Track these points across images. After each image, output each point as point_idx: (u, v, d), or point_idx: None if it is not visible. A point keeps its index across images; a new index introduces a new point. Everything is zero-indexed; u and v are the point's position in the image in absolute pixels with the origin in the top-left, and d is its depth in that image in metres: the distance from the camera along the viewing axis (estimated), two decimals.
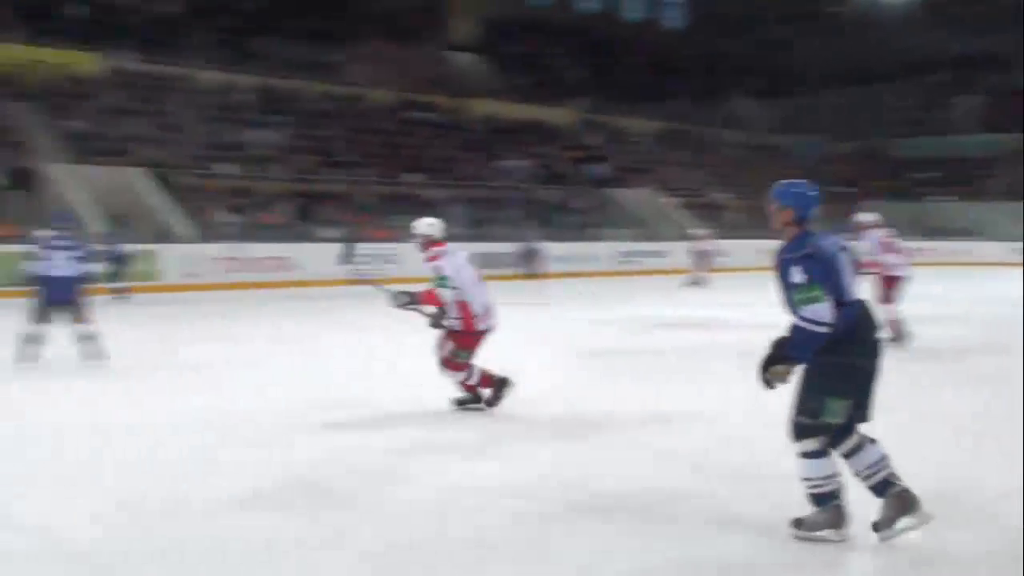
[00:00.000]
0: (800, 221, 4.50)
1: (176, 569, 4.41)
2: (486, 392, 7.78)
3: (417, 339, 8.82)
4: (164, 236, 22.70)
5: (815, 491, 4.53)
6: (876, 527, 4.49)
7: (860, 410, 4.49)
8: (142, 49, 29.62)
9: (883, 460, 4.50)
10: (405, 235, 8.05)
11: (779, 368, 4.50)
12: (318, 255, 22.40)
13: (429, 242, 7.76)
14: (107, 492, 5.58)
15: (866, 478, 4.50)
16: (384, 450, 6.48)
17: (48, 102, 26.14)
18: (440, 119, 34.69)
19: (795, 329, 4.43)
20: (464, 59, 40.59)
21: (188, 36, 31.54)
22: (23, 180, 22.80)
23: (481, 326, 7.66)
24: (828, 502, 4.51)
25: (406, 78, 34.94)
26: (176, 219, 23.68)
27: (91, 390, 8.92)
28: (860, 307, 4.49)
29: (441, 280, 7.50)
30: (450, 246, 7.77)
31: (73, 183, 22.97)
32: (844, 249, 4.54)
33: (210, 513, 5.16)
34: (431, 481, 5.73)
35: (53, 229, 10.48)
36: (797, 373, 4.53)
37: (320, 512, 5.20)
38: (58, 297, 10.08)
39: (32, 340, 10.04)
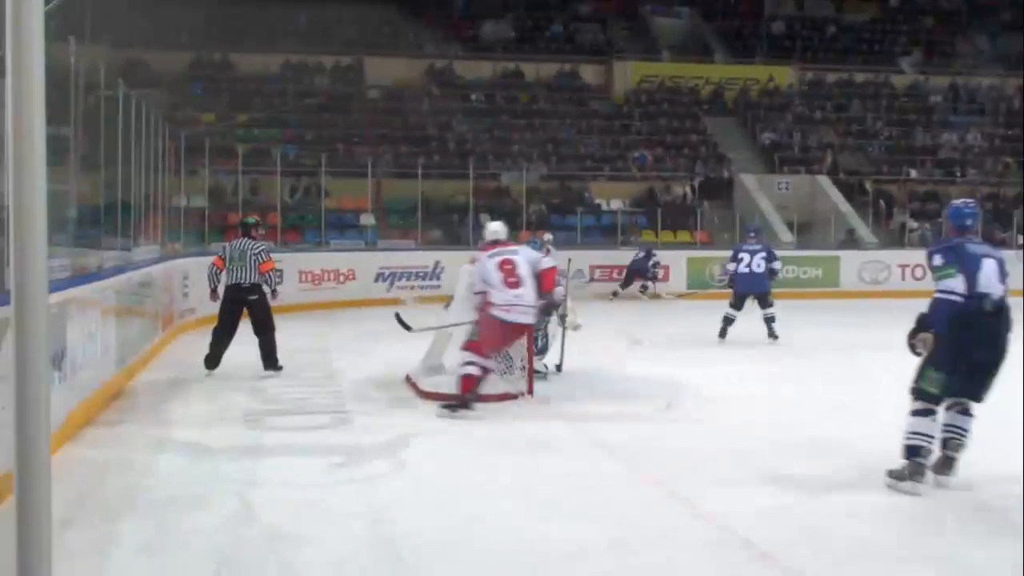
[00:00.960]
0: (955, 229, 5.80)
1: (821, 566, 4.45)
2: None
3: None
4: (848, 243, 22.76)
5: (905, 442, 5.60)
6: (890, 473, 5.59)
7: (969, 387, 5.56)
8: (836, 58, 30.01)
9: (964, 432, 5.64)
10: None
11: (922, 335, 5.50)
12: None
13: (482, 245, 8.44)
14: (779, 480, 5.86)
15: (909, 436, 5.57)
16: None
17: (745, 116, 27.75)
18: None
19: (933, 301, 5.53)
20: None
21: (882, 41, 31.23)
22: (716, 190, 24.46)
23: (497, 315, 7.84)
24: (911, 456, 5.55)
25: None
26: (860, 225, 23.56)
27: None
28: (985, 301, 5.42)
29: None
30: (503, 248, 8.17)
31: (762, 192, 24.05)
32: (991, 257, 5.58)
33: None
34: None
35: (749, 238, 13.33)
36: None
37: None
38: (750, 289, 12.71)
39: (728, 322, 12.71)
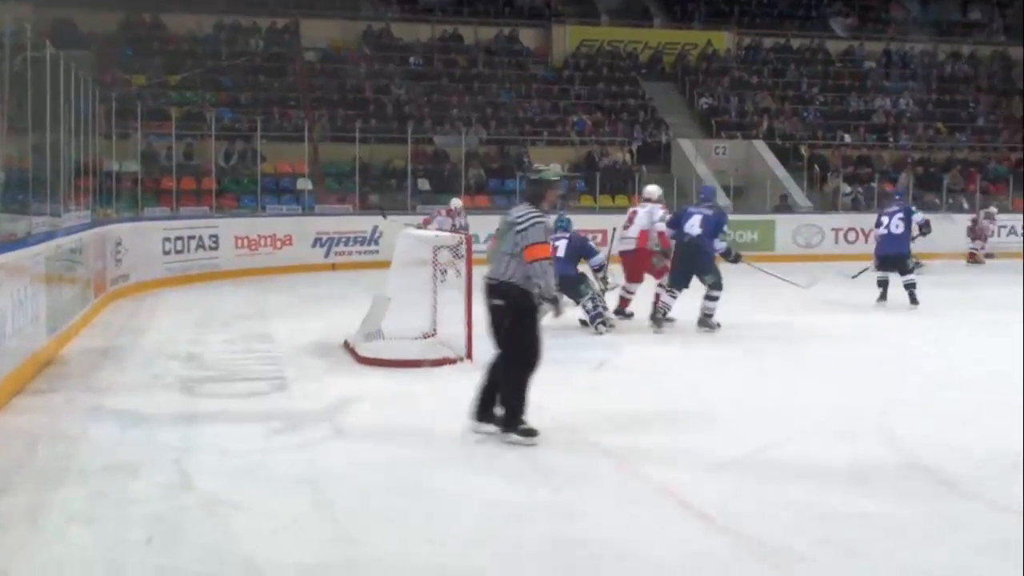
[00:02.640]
0: (702, 201, 10.84)
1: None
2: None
3: None
4: (783, 207, 23.04)
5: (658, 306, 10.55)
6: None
7: (701, 282, 10.37)
8: (773, 24, 30.22)
9: (669, 306, 10.44)
10: None
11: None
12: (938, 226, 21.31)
13: None
14: (724, 442, 5.88)
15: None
16: None
17: (683, 80, 27.88)
18: None
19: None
20: None
21: (818, 6, 31.50)
22: (654, 155, 24.62)
23: None
24: (658, 314, 10.44)
25: None
26: (795, 190, 23.85)
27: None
28: (684, 236, 10.36)
29: None
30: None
31: (699, 156, 24.21)
32: (700, 214, 10.36)
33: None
34: None
35: (895, 200, 13.79)
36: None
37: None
38: (888, 250, 12.84)
39: (884, 284, 12.86)
